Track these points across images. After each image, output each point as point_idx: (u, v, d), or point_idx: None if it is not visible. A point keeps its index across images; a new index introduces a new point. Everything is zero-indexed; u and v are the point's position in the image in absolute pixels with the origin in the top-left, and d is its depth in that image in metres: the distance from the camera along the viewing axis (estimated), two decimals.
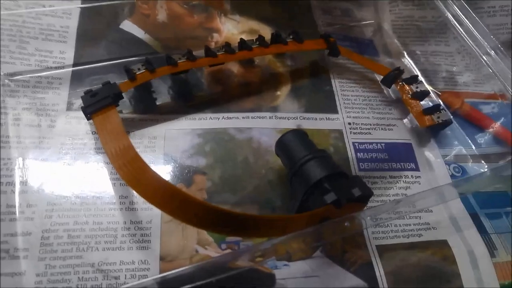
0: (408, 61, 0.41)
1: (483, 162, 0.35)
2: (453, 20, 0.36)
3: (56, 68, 0.33)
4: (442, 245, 0.31)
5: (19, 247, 0.26)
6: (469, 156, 0.36)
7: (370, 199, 0.28)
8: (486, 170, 0.35)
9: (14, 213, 0.27)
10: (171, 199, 0.24)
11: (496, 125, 0.36)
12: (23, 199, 0.27)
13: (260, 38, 0.35)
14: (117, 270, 0.26)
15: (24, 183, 0.28)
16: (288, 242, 0.28)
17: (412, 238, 0.31)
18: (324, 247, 0.30)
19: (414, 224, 0.32)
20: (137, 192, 0.25)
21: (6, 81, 0.31)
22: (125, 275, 0.26)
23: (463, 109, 0.37)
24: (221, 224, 0.24)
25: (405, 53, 0.41)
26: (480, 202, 0.33)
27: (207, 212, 0.24)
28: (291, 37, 0.36)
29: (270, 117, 0.34)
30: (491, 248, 0.31)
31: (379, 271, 0.29)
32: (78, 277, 0.26)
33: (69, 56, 0.34)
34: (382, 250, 0.30)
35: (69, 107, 0.32)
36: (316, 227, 0.26)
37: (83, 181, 0.29)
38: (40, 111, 0.31)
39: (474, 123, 0.37)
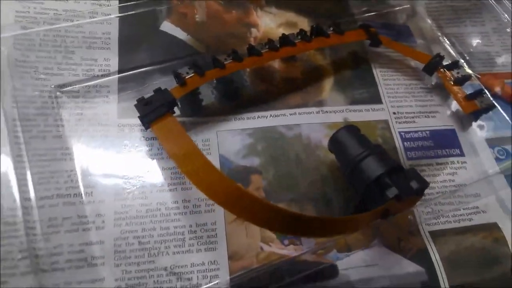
0: (444, 44, 0.44)
1: None
2: None
3: (103, 76, 0.36)
4: (492, 228, 0.35)
5: (96, 255, 0.30)
6: None
7: None
8: None
9: (86, 223, 0.31)
10: (241, 202, 0.27)
11: None
12: (92, 210, 0.31)
13: (302, 33, 0.37)
14: (189, 272, 0.31)
15: (89, 194, 0.32)
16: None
17: (463, 222, 0.35)
18: (380, 236, 0.34)
19: (463, 209, 0.36)
20: (207, 195, 0.28)
21: (58, 93, 0.34)
22: (197, 276, 0.30)
23: (505, 91, 0.41)
24: (290, 226, 0.28)
25: (441, 36, 0.45)
26: None
27: (276, 214, 0.27)
28: (331, 29, 0.39)
29: (317, 112, 0.38)
30: None
31: (435, 256, 0.33)
32: (154, 281, 0.30)
33: (114, 63, 0.37)
34: (435, 236, 0.34)
35: (120, 114, 0.35)
36: (378, 222, 0.31)
37: (145, 188, 0.33)
38: (93, 121, 0.34)
39: None
